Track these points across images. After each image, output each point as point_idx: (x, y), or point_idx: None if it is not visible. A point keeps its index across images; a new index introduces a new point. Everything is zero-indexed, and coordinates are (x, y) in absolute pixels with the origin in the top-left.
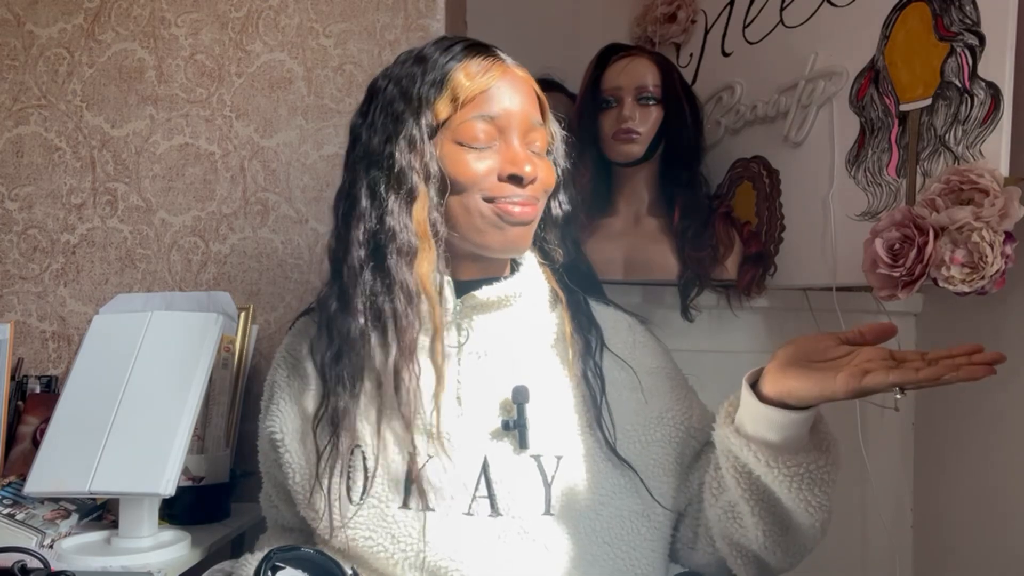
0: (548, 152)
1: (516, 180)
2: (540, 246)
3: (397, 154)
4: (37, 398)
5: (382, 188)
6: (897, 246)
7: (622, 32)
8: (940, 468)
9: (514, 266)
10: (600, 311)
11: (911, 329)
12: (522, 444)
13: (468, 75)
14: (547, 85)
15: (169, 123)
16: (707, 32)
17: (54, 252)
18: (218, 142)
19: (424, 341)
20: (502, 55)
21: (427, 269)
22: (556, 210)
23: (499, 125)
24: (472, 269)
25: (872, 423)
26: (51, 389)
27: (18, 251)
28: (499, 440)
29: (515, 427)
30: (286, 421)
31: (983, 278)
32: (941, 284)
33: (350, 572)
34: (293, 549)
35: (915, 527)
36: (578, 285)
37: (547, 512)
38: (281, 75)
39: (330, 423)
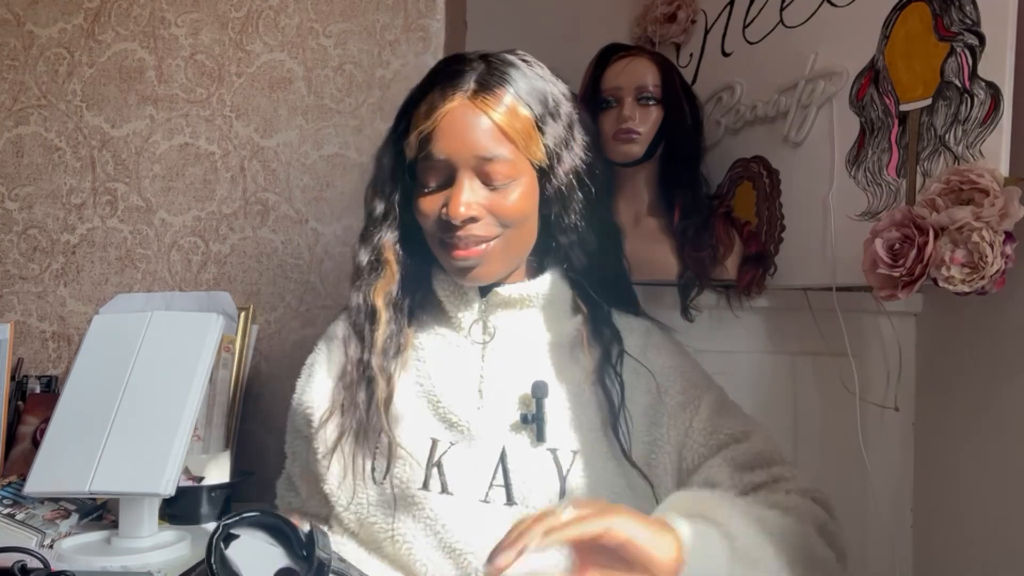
0: (550, 170)
1: (449, 223)
2: (564, 255)
3: (369, 194)
4: (37, 398)
5: (365, 220)
6: (897, 246)
7: (622, 32)
8: (940, 468)
9: (540, 271)
10: (619, 318)
11: (911, 329)
12: (539, 437)
13: (425, 112)
14: None
15: (169, 123)
16: (707, 32)
17: (54, 252)
18: (218, 142)
19: (429, 338)
20: (475, 80)
21: (380, 288)
22: (563, 222)
23: (445, 166)
24: None
25: (872, 423)
26: (51, 389)
27: (18, 251)
28: (517, 433)
29: (533, 420)
30: (325, 397)
31: (983, 278)
32: (941, 284)
33: (307, 528)
34: (242, 515)
35: (915, 527)
36: (607, 294)
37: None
38: (281, 75)
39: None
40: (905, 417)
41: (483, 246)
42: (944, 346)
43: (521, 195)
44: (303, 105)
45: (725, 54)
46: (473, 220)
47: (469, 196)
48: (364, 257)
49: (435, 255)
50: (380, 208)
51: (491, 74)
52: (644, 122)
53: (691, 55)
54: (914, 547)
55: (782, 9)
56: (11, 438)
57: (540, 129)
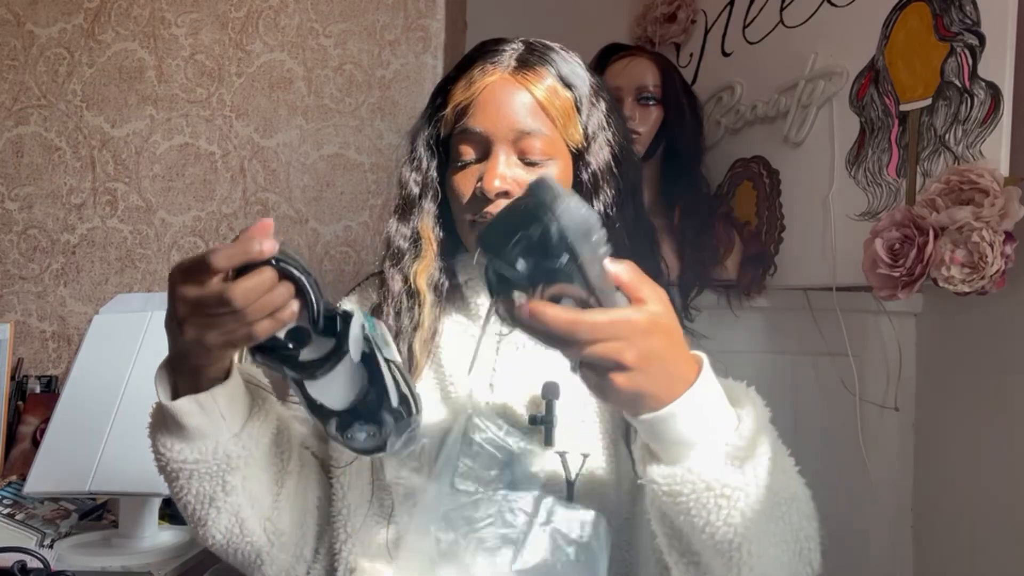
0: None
1: (484, 196)
2: None
3: (406, 171)
4: (37, 398)
5: (400, 199)
6: (897, 246)
7: (622, 32)
8: (940, 468)
9: None
10: None
11: (911, 329)
12: (547, 441)
13: (464, 86)
14: None
15: (169, 123)
16: (707, 32)
17: (54, 252)
18: (218, 142)
19: (452, 324)
20: (516, 58)
21: (421, 270)
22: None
23: (482, 139)
24: None
25: (872, 423)
26: (51, 389)
27: (18, 251)
28: (526, 433)
29: (542, 423)
30: None
31: (983, 278)
32: (941, 284)
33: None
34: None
35: (915, 527)
36: None
37: (568, 509)
38: (281, 75)
39: None
40: (905, 417)
41: None
42: (944, 346)
43: (555, 176)
44: (303, 105)
45: (725, 54)
46: (507, 195)
47: (504, 169)
48: (402, 238)
49: (462, 237)
50: (417, 186)
51: (531, 53)
52: (644, 122)
53: (691, 55)
54: (914, 547)
55: (782, 9)
56: (11, 438)
57: (579, 111)
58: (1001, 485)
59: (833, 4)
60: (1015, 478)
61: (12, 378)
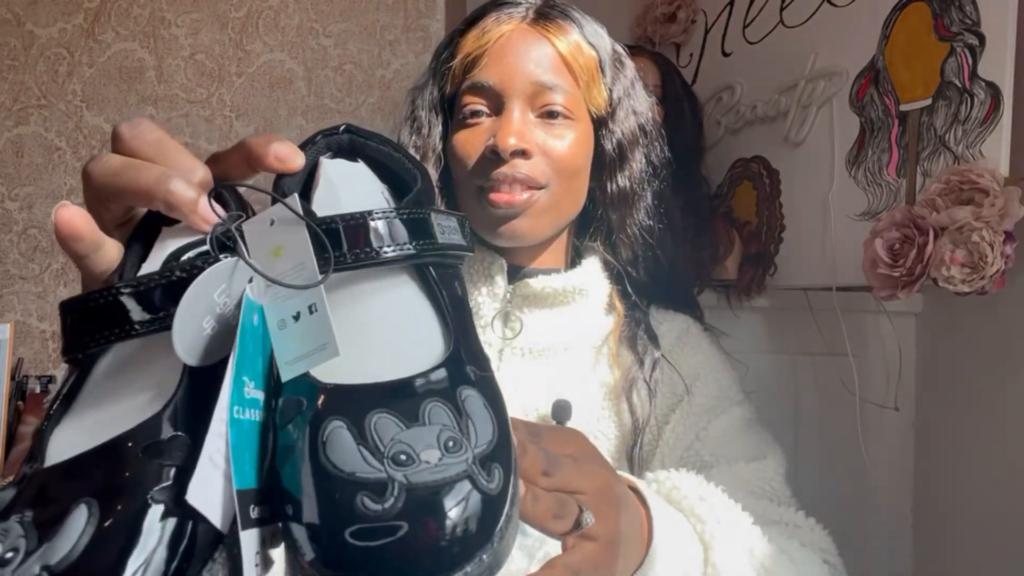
0: (581, 116)
1: (496, 155)
2: (607, 237)
3: (404, 134)
4: (37, 398)
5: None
6: (897, 246)
7: (622, 32)
8: (940, 468)
9: (577, 259)
10: (656, 314)
11: (911, 329)
12: None
13: (474, 37)
14: None
15: (169, 123)
16: (707, 32)
17: (54, 252)
18: (218, 142)
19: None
20: (534, 11)
21: None
22: (611, 187)
23: (494, 93)
24: (527, 254)
25: (872, 423)
26: (51, 389)
27: (18, 251)
28: None
29: None
30: None
31: (983, 278)
32: (941, 284)
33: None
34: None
35: (915, 527)
36: (655, 291)
37: None
38: (281, 75)
39: None
40: (905, 417)
41: (528, 194)
42: (944, 346)
43: (576, 140)
44: (303, 105)
45: (725, 54)
46: (523, 155)
47: (521, 126)
48: None
49: (464, 209)
50: (417, 151)
51: (551, 7)
52: None
53: (691, 55)
54: (914, 547)
55: (782, 9)
56: (11, 438)
57: (603, 72)
58: (1001, 485)
59: (833, 4)
60: (1015, 478)
61: (12, 378)
